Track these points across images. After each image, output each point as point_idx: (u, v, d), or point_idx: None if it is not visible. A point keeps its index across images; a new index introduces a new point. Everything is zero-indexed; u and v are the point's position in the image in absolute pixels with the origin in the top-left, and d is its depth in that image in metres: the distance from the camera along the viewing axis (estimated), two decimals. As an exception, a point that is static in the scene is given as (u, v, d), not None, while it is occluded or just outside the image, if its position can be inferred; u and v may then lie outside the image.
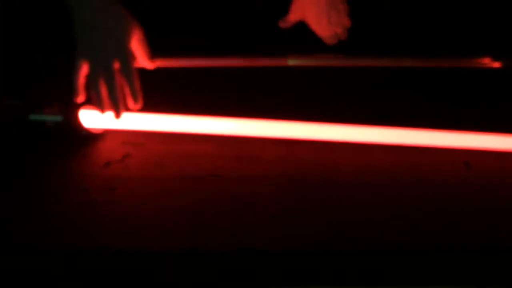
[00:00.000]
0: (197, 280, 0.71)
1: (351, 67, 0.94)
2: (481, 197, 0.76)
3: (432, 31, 1.00)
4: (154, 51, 0.92)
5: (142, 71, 0.87)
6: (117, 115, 0.81)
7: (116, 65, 0.79)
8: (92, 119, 0.84)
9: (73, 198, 0.77)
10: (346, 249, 0.70)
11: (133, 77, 0.80)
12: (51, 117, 0.83)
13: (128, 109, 0.82)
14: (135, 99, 0.81)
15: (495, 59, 0.94)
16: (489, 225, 0.73)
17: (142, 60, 0.85)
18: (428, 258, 0.70)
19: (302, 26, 0.98)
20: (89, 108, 0.84)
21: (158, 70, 0.92)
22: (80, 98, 0.82)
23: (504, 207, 0.75)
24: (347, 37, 0.97)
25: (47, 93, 0.89)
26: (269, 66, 0.94)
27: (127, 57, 0.80)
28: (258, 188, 0.77)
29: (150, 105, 0.85)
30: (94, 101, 0.81)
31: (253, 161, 0.81)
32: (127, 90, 0.81)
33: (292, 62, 0.94)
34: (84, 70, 0.80)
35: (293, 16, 0.98)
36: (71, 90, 0.81)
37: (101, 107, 0.81)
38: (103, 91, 0.80)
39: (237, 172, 0.80)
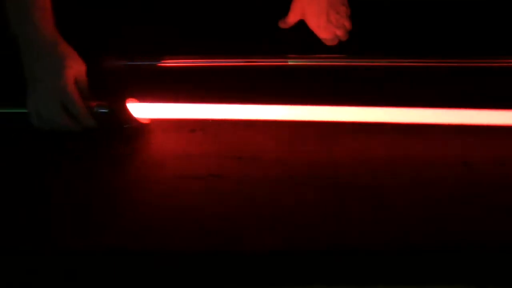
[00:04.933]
0: (197, 280, 0.70)
1: (351, 67, 0.94)
2: (481, 197, 0.76)
3: (431, 31, 1.00)
4: (155, 51, 0.93)
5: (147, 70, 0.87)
6: None
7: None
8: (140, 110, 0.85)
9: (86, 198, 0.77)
10: (346, 249, 0.70)
11: (82, 115, 0.82)
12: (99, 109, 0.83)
13: None
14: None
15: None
16: (489, 225, 0.73)
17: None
18: (428, 258, 0.70)
19: (302, 26, 0.98)
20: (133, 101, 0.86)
21: (158, 70, 0.92)
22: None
23: (504, 207, 0.75)
24: (347, 39, 0.97)
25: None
26: (269, 66, 0.94)
27: (71, 98, 0.81)
28: (258, 188, 0.77)
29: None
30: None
31: (254, 161, 0.81)
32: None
33: (292, 62, 0.94)
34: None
35: (293, 17, 0.98)
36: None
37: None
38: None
39: (237, 172, 0.80)
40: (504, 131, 0.84)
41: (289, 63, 0.94)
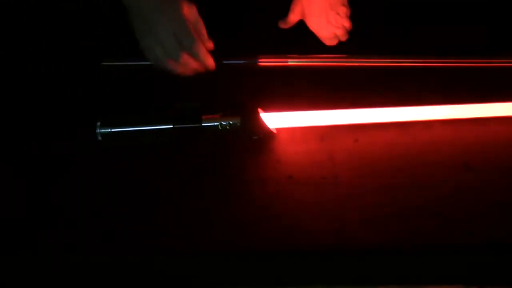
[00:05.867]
0: (197, 281, 0.71)
1: (351, 67, 0.94)
2: (481, 197, 0.76)
3: (431, 31, 1.00)
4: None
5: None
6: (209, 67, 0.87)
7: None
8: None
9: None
10: (346, 249, 0.70)
11: (196, 44, 0.84)
12: (228, 120, 0.80)
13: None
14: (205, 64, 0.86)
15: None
16: (489, 225, 0.73)
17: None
18: (428, 258, 0.70)
19: (302, 26, 0.98)
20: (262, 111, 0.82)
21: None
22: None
23: (504, 207, 0.75)
24: (347, 39, 0.97)
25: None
26: (269, 66, 0.94)
27: (182, 27, 0.83)
28: (258, 188, 0.77)
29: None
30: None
31: (254, 161, 0.81)
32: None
33: (292, 62, 0.94)
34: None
35: (293, 16, 0.98)
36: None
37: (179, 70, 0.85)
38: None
39: (237, 172, 0.80)
40: (504, 130, 0.84)
41: (289, 63, 0.94)
